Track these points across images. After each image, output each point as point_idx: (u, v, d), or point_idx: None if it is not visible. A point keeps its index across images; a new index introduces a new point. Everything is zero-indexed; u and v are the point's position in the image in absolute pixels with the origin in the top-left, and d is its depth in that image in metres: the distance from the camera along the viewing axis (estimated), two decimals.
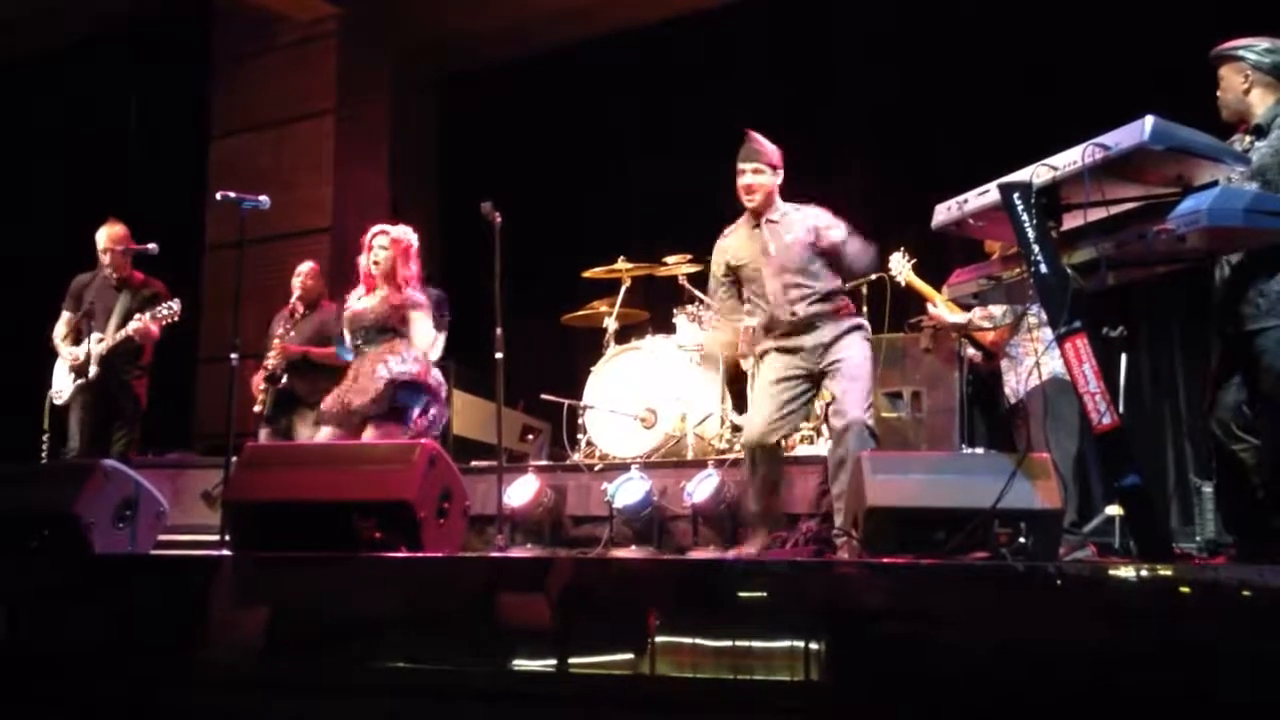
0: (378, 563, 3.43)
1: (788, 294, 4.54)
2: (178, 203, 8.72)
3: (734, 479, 5.38)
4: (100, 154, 9.36)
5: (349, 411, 4.86)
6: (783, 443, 4.80)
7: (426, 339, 5.02)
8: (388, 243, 5.08)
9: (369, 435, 4.79)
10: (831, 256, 4.62)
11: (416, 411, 4.92)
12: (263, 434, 6.09)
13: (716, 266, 4.79)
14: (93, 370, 5.82)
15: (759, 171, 4.58)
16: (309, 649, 3.27)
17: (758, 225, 4.63)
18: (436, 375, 5.04)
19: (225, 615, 3.50)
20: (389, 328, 5.00)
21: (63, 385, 5.97)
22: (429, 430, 4.99)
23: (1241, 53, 3.78)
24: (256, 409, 6.12)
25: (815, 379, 4.58)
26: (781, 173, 4.65)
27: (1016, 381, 5.25)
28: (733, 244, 4.73)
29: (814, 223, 4.61)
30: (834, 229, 4.61)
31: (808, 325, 4.54)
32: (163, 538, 4.46)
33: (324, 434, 4.96)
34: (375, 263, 5.07)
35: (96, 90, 9.49)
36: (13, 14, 8.93)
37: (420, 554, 3.61)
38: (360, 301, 5.09)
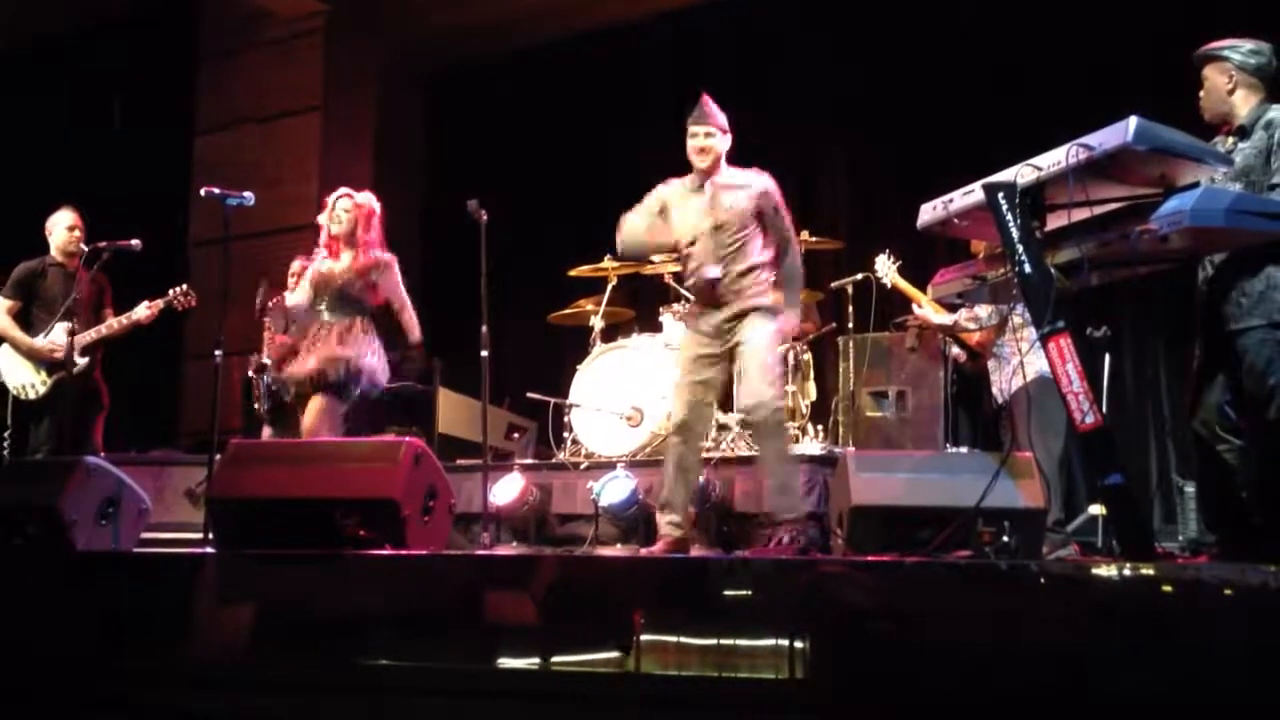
0: (362, 560, 3.43)
1: (718, 254, 4.50)
2: (162, 199, 8.69)
3: (720, 478, 5.40)
4: (84, 149, 9.31)
5: (293, 380, 4.94)
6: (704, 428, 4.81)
7: (401, 292, 5.08)
8: (350, 205, 5.08)
9: (314, 406, 4.84)
10: (767, 225, 4.59)
11: (356, 391, 4.94)
12: (266, 433, 6.05)
13: (651, 199, 4.73)
14: (81, 362, 5.60)
15: (710, 135, 4.57)
16: (292, 647, 3.27)
17: (701, 186, 4.60)
18: (380, 360, 5.06)
19: (208, 613, 3.49)
20: (353, 298, 5.01)
21: (29, 379, 5.66)
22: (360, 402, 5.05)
23: (1226, 53, 3.79)
24: (257, 406, 6.09)
25: (722, 357, 4.54)
26: (730, 137, 4.63)
27: (1003, 381, 5.27)
28: (675, 193, 4.68)
29: (761, 189, 4.56)
30: (778, 204, 4.59)
31: (725, 295, 4.49)
32: (145, 535, 4.45)
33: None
34: (337, 222, 5.06)
35: (81, 86, 9.43)
36: None
37: (405, 551, 3.60)
38: (327, 263, 5.08)
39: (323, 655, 3.21)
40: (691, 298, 4.92)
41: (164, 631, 3.45)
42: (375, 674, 3.12)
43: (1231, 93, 3.77)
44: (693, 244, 4.56)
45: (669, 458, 4.54)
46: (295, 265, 6.29)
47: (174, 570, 3.64)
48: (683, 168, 4.70)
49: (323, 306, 5.04)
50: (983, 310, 5.27)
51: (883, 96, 7.49)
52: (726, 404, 6.00)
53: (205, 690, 3.30)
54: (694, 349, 4.57)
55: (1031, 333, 4.89)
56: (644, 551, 4.67)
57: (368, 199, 5.15)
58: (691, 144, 4.59)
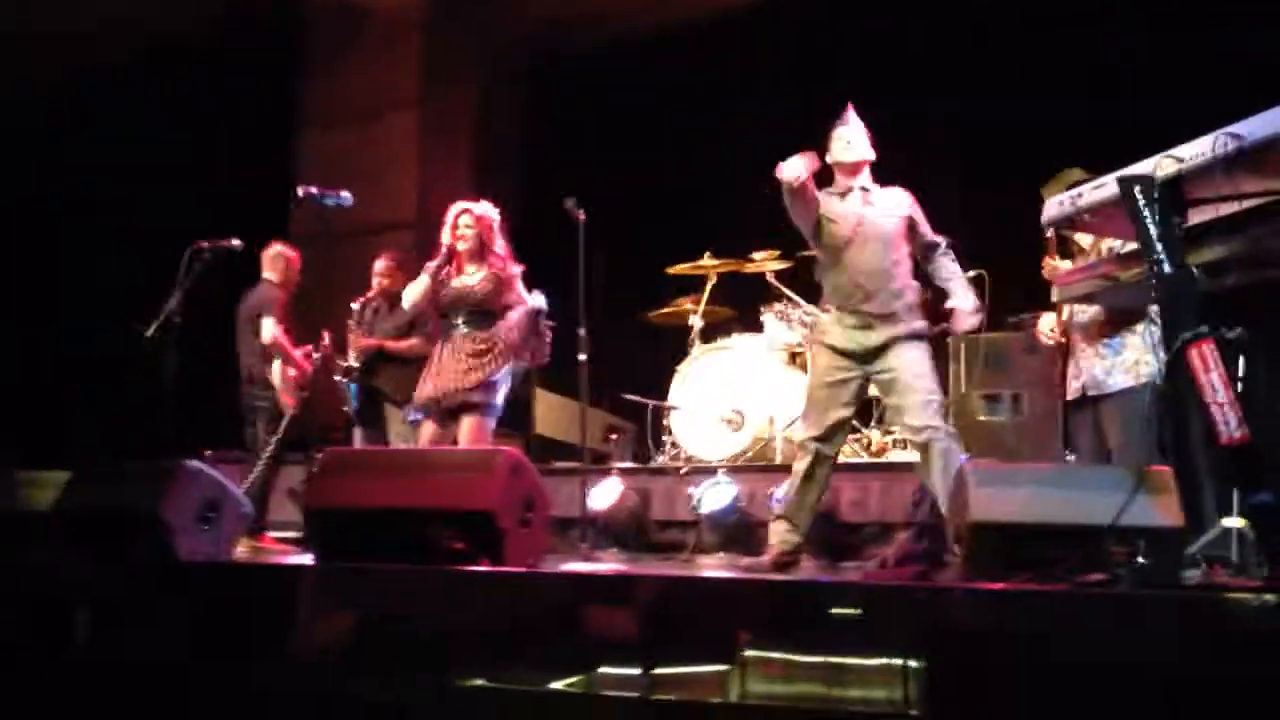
0: (459, 576, 3.34)
1: (882, 265, 4.27)
2: (262, 198, 8.76)
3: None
4: (186, 150, 9.44)
5: (437, 400, 4.80)
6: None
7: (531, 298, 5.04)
8: (472, 220, 5.00)
9: (466, 429, 4.75)
10: (915, 236, 4.39)
11: (501, 396, 4.87)
12: (357, 434, 6.02)
13: None
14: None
15: (861, 145, 4.40)
16: (388, 663, 3.20)
17: (850, 195, 4.38)
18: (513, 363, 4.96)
19: (303, 626, 3.44)
20: (491, 310, 4.93)
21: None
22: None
23: None
24: (346, 408, 6.07)
25: (861, 379, 4.33)
26: (872, 152, 4.46)
27: (1103, 372, 4.70)
28: (825, 198, 4.38)
29: (909, 211, 4.39)
30: (926, 226, 4.41)
31: (871, 317, 4.26)
32: None
33: (426, 433, 4.86)
34: (463, 240, 4.98)
35: (184, 87, 9.58)
36: (105, 14, 9.05)
37: (501, 569, 3.49)
38: (462, 279, 4.98)
39: (418, 673, 3.13)
40: (801, 303, 4.74)
41: (261, 643, 3.40)
42: (469, 696, 3.03)
43: None
44: (843, 249, 4.30)
45: (799, 468, 4.32)
46: (380, 265, 6.20)
47: (271, 581, 3.60)
48: (780, 161, 4.39)
49: (459, 320, 4.94)
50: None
51: (997, 87, 7.21)
52: None
53: (298, 704, 3.24)
54: (831, 370, 4.31)
55: (1143, 330, 4.41)
56: (747, 562, 4.50)
57: (486, 210, 5.05)
58: (865, 149, 4.40)
